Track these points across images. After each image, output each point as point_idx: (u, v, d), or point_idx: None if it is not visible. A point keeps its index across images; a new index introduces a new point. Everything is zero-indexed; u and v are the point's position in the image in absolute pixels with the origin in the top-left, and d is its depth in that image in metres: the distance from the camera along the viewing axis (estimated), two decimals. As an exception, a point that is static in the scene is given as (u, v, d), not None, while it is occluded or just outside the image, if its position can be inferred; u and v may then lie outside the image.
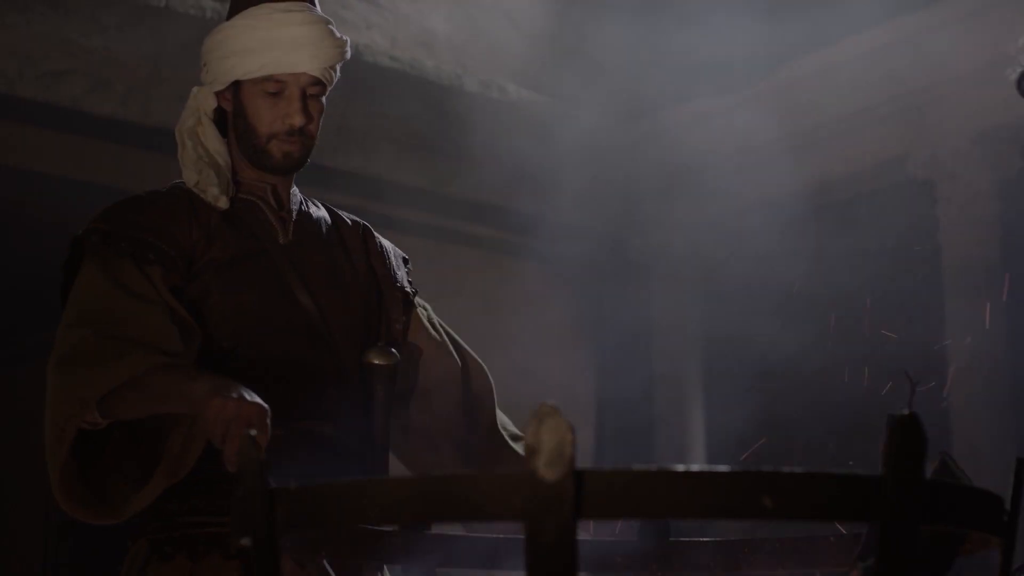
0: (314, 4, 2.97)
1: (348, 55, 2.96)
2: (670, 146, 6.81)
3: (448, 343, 3.08)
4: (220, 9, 5.58)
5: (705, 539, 2.27)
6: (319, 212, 3.06)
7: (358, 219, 3.12)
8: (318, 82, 2.90)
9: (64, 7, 5.34)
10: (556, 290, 6.97)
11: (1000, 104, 5.54)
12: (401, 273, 3.09)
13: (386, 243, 3.12)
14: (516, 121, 6.42)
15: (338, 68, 2.95)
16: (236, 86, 2.91)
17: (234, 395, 2.50)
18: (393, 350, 2.93)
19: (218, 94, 2.93)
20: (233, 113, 2.93)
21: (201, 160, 2.91)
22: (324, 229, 3.03)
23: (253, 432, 1.65)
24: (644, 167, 6.92)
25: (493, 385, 3.10)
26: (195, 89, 2.97)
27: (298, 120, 2.89)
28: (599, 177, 6.79)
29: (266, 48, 2.86)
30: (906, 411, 1.48)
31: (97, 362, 2.65)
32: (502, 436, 3.05)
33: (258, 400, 2.51)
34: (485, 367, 3.11)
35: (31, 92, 5.40)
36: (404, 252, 3.18)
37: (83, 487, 2.75)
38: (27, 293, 6.88)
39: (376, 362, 2.91)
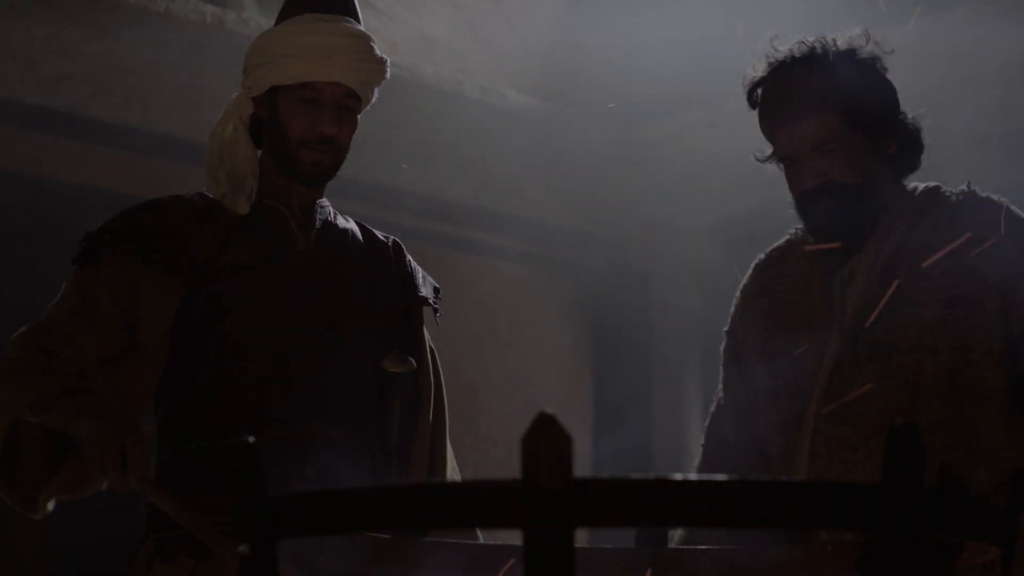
0: (358, 20, 2.98)
1: (387, 75, 2.97)
2: (670, 152, 6.81)
3: (433, 390, 3.08)
4: (220, 14, 5.59)
5: (703, 547, 2.27)
6: (348, 225, 3.08)
7: (389, 235, 3.14)
8: (353, 95, 2.92)
9: (64, 12, 5.34)
10: (555, 297, 6.96)
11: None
12: (427, 290, 3.10)
13: (416, 265, 3.14)
14: (515, 127, 6.43)
15: (376, 90, 2.97)
16: (273, 93, 2.93)
17: (107, 441, 2.64)
18: (410, 358, 2.94)
19: (255, 101, 2.95)
20: (268, 119, 2.95)
21: (221, 167, 2.93)
22: (350, 240, 3.05)
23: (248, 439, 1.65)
24: (644, 173, 6.92)
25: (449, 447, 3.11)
26: (234, 95, 3.00)
27: (330, 129, 2.90)
28: (598, 183, 6.79)
29: (305, 55, 2.88)
30: (904, 419, 1.48)
31: (15, 378, 2.79)
32: None
33: (126, 440, 2.63)
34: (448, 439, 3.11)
35: (31, 96, 5.40)
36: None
37: (9, 475, 2.84)
38: (24, 298, 6.87)
39: (392, 369, 2.92)
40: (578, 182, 6.73)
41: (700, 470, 3.03)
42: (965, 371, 2.73)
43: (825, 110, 2.83)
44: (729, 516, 1.45)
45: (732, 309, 3.06)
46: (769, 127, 2.91)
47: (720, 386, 3.07)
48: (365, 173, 6.05)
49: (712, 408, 3.08)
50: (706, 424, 3.09)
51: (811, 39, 2.88)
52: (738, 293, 3.06)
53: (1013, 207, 2.86)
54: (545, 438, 1.40)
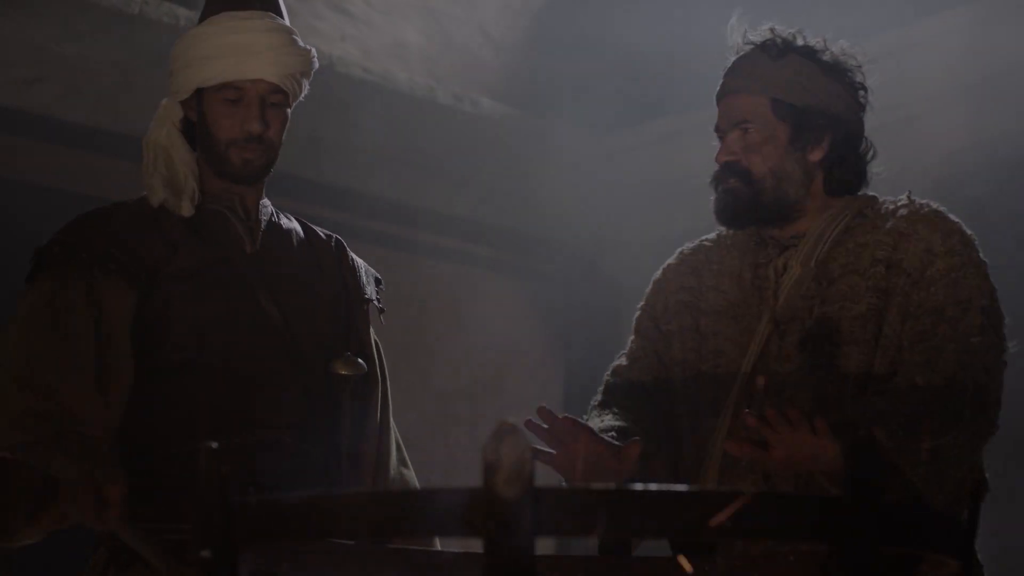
0: (279, 13, 2.96)
1: (315, 65, 2.96)
2: (644, 161, 6.82)
3: (379, 385, 3.08)
4: (193, 17, 5.55)
5: (666, 555, 2.27)
6: (291, 224, 3.07)
7: (331, 233, 3.13)
8: (279, 90, 2.90)
9: (36, 13, 5.32)
10: (525, 305, 6.96)
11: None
12: (371, 289, 3.10)
13: (359, 260, 3.13)
14: (488, 134, 6.43)
15: (304, 81, 2.95)
16: (199, 95, 2.92)
17: (85, 483, 2.62)
18: (360, 360, 2.94)
19: (184, 104, 2.94)
20: (198, 122, 2.93)
21: (159, 172, 2.91)
22: (295, 240, 3.04)
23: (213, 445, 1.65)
24: (617, 182, 6.93)
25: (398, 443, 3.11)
26: (164, 100, 2.98)
27: (255, 127, 2.88)
28: (571, 192, 6.80)
29: (224, 55, 2.87)
30: (863, 433, 1.49)
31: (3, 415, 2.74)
32: None
33: (104, 482, 2.61)
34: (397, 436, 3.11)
35: (2, 98, 5.38)
36: (373, 265, 3.18)
37: None
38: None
39: (342, 372, 2.92)
40: (550, 189, 6.73)
41: (602, 404, 3.08)
42: (880, 360, 2.76)
43: (756, 92, 2.89)
44: (689, 526, 1.46)
45: (651, 285, 3.11)
46: (716, 100, 2.99)
47: (632, 345, 3.10)
48: (337, 178, 6.05)
49: (622, 360, 3.12)
50: (614, 365, 3.13)
51: (780, 31, 2.93)
52: (659, 271, 3.11)
53: (949, 217, 2.88)
54: (506, 447, 1.40)
